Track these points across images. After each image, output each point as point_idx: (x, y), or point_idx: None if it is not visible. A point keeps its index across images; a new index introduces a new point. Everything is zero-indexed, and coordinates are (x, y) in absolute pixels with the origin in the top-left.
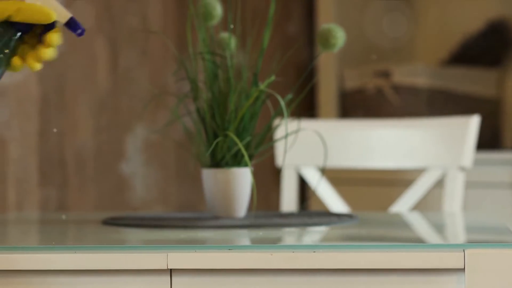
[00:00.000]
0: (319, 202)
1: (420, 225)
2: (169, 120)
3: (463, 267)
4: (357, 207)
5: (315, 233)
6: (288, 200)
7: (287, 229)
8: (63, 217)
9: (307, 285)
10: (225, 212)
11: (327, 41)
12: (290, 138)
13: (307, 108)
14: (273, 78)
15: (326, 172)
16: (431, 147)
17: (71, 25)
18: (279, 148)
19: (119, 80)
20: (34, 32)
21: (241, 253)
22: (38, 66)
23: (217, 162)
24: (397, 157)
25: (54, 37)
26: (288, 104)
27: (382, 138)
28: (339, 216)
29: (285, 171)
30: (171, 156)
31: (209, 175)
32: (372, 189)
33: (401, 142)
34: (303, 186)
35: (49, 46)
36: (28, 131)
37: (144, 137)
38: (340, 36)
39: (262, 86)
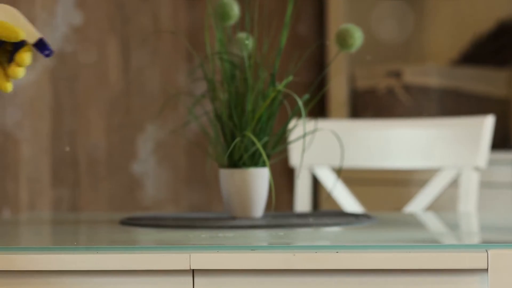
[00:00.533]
0: (332, 202)
1: (438, 225)
2: (185, 120)
3: (486, 268)
4: (370, 207)
5: (335, 233)
6: (302, 200)
7: (307, 230)
8: (74, 215)
9: (330, 285)
10: (242, 212)
11: (345, 41)
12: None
13: (317, 108)
14: (290, 78)
15: (338, 171)
16: (446, 147)
17: (40, 45)
18: (293, 148)
19: (131, 80)
20: (4, 50)
21: (264, 253)
22: (9, 86)
23: (234, 163)
24: (412, 157)
25: (25, 57)
26: (305, 104)
27: (397, 138)
28: (356, 216)
29: (299, 171)
30: (182, 156)
31: (226, 175)
32: (386, 189)
33: (415, 142)
34: (315, 186)
35: (19, 65)
36: (40, 131)
37: (156, 138)
38: (358, 37)
39: (280, 86)
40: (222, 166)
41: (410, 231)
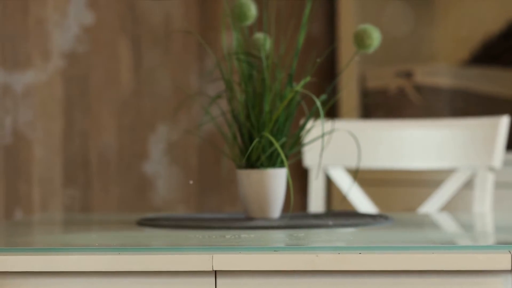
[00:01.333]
0: (344, 202)
1: (455, 226)
2: (200, 121)
3: (510, 269)
4: (384, 208)
5: (354, 234)
6: (316, 201)
7: (325, 230)
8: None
9: (353, 286)
10: (260, 213)
11: (363, 42)
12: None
13: (328, 108)
14: (308, 78)
15: (353, 172)
16: (461, 148)
17: None
18: (307, 149)
19: (142, 81)
20: None
21: (287, 254)
22: None
23: (252, 163)
24: (427, 157)
25: None
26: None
27: (412, 138)
28: (373, 217)
29: (313, 171)
30: (193, 157)
31: (244, 176)
32: (397, 189)
33: (430, 143)
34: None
35: None
36: (53, 131)
37: (167, 138)
38: (376, 37)
39: (297, 87)
40: (240, 166)
41: (428, 232)
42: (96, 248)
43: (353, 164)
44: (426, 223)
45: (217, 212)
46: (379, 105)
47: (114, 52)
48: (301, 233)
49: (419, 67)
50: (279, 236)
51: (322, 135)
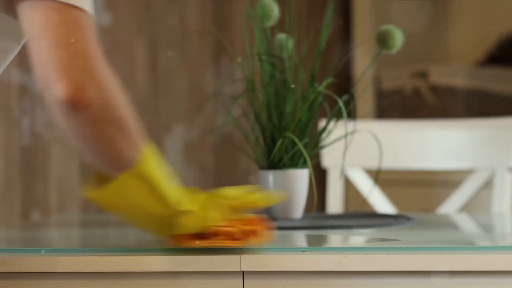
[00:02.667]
0: (361, 202)
1: (477, 227)
2: (224, 121)
3: None
4: (402, 208)
5: (377, 234)
6: (334, 201)
7: (349, 231)
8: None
9: (380, 287)
10: (282, 213)
11: (386, 42)
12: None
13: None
14: (330, 79)
15: (371, 173)
16: (479, 148)
17: None
18: (326, 150)
19: (158, 81)
20: None
21: (314, 255)
22: None
23: (274, 164)
24: (445, 158)
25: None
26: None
27: (430, 139)
28: (395, 217)
29: (331, 172)
30: (209, 157)
31: (266, 177)
32: (416, 190)
33: (449, 143)
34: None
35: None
36: None
37: (183, 139)
38: (398, 38)
39: (320, 87)
40: (262, 167)
41: (452, 232)
42: (122, 249)
43: (371, 164)
44: (447, 223)
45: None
46: (394, 105)
47: (130, 53)
48: (325, 233)
49: (435, 68)
50: (304, 236)
51: (345, 135)
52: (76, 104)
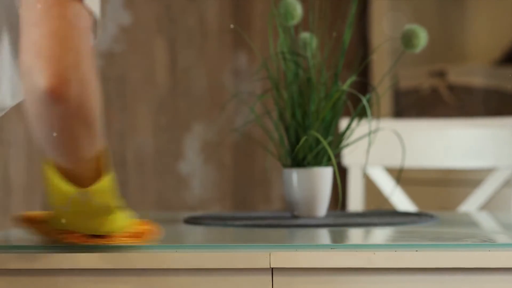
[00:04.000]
0: (381, 201)
1: (501, 225)
2: (247, 119)
3: None
4: (420, 207)
5: (403, 232)
6: (355, 200)
7: (374, 229)
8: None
9: (410, 284)
10: (306, 211)
11: (410, 41)
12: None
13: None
14: (353, 78)
15: (391, 172)
16: (500, 147)
17: None
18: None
19: (178, 80)
20: None
21: (344, 252)
22: None
23: (298, 162)
24: (466, 156)
25: None
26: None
27: (450, 137)
28: (418, 215)
29: (352, 170)
30: (228, 155)
31: (290, 175)
32: (434, 189)
33: (469, 142)
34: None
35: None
36: None
37: (202, 137)
38: (422, 37)
39: (344, 86)
40: (286, 165)
41: (477, 230)
42: (151, 245)
43: (391, 163)
44: (470, 222)
45: (261, 211)
46: (411, 105)
47: (150, 52)
48: (351, 231)
49: (452, 67)
50: (331, 234)
51: (369, 133)
52: (56, 96)
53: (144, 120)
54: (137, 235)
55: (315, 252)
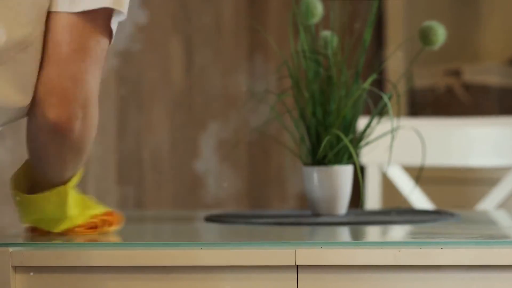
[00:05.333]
0: (398, 199)
1: None
2: (268, 118)
3: None
4: (438, 205)
5: (424, 230)
6: (373, 198)
7: (396, 226)
8: None
9: (434, 281)
10: (327, 209)
11: (428, 38)
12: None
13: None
14: (374, 76)
15: (409, 170)
16: None
17: None
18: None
19: (194, 79)
20: None
21: (369, 249)
22: None
23: (318, 160)
24: (484, 155)
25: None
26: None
27: (469, 136)
28: (439, 213)
29: (369, 169)
30: (243, 154)
31: (310, 173)
32: (449, 188)
33: (486, 140)
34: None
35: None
36: (107, 130)
37: (218, 136)
38: (440, 33)
39: (365, 84)
40: (306, 164)
41: (499, 228)
42: (176, 243)
43: (409, 162)
44: (490, 220)
45: (282, 209)
46: (426, 103)
47: (166, 51)
48: (374, 229)
49: (468, 66)
50: (353, 232)
51: (392, 131)
52: (60, 132)
53: (160, 119)
54: (96, 225)
55: (340, 250)
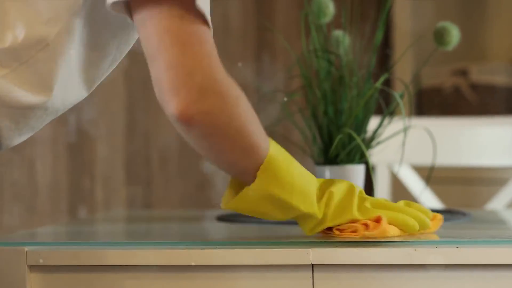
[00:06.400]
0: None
1: None
2: (279, 117)
3: None
4: (446, 205)
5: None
6: (382, 197)
7: None
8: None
9: (450, 280)
10: None
11: (442, 39)
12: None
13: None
14: (386, 75)
15: (419, 170)
16: None
17: None
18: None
19: None
20: None
21: (384, 248)
22: None
23: (330, 159)
24: (490, 155)
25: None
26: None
27: (475, 136)
28: (450, 212)
29: (378, 168)
30: None
31: (322, 172)
32: (459, 187)
33: (493, 140)
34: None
35: None
36: (115, 130)
37: None
38: (455, 34)
39: (377, 83)
40: (318, 163)
41: (510, 228)
42: (192, 242)
43: (417, 161)
44: (502, 219)
45: None
46: (433, 103)
47: None
48: None
49: (475, 66)
50: None
51: (404, 130)
52: (186, 123)
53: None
54: (356, 229)
55: (356, 249)
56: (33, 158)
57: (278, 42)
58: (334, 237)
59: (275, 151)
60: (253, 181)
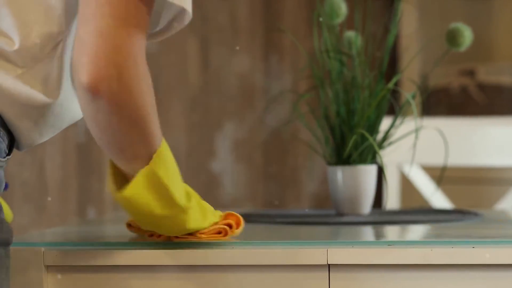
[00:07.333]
0: (416, 199)
1: None
2: (290, 118)
3: None
4: (456, 205)
5: (450, 229)
6: (392, 198)
7: (420, 226)
8: None
9: (466, 280)
10: (351, 209)
11: (455, 40)
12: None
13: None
14: (399, 75)
15: (428, 170)
16: None
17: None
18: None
19: (210, 79)
20: None
21: (401, 248)
22: None
23: (343, 160)
24: (499, 155)
25: None
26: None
27: (483, 136)
28: (462, 213)
29: (388, 168)
30: (258, 154)
31: (335, 172)
32: (467, 187)
33: (502, 140)
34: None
35: None
36: None
37: (234, 136)
38: (467, 35)
39: (390, 84)
40: (330, 163)
41: None
42: (208, 242)
43: (427, 161)
44: None
45: (307, 209)
46: (440, 103)
47: (182, 51)
48: (401, 228)
49: (482, 66)
50: (382, 231)
51: (416, 130)
52: (93, 92)
53: (177, 118)
54: (222, 230)
55: (372, 249)
56: (43, 159)
57: (286, 42)
58: (349, 237)
59: (166, 146)
60: (141, 167)
